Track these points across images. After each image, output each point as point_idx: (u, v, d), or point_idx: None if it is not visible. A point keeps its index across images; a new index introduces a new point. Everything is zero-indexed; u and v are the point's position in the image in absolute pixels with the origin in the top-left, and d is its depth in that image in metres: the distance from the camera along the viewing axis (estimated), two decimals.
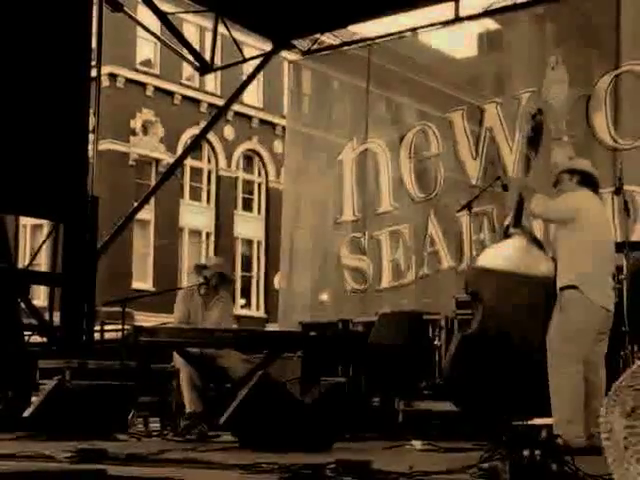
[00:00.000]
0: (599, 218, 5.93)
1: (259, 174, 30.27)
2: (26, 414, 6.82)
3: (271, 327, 22.12)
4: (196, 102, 27.48)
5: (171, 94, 27.12)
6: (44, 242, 10.06)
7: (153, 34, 13.34)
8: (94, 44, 9.85)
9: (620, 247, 7.19)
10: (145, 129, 26.65)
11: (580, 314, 5.46)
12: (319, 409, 5.87)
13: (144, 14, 13.81)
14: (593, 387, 5.43)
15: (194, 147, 19.25)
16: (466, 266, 9.10)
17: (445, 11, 11.00)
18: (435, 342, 8.29)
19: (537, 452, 3.08)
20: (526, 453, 3.08)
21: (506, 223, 6.89)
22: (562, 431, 4.84)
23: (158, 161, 26.69)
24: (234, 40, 11.71)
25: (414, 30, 11.44)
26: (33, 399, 7.32)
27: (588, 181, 5.95)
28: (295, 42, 12.27)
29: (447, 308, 8.71)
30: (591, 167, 6.12)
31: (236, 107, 24.24)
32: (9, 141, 8.37)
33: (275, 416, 5.49)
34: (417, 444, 5.92)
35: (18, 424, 6.92)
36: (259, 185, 30.21)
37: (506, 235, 6.75)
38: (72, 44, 9.05)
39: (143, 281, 26.04)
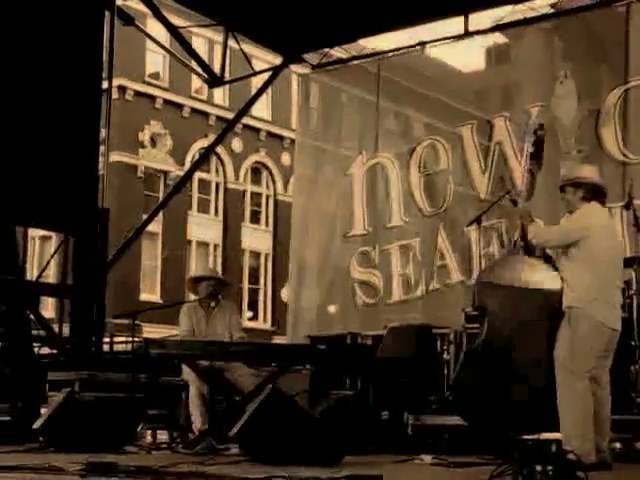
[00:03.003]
0: (604, 233, 5.60)
1: (267, 187, 30.31)
2: (35, 426, 6.82)
3: (279, 340, 22.13)
4: (205, 115, 27.55)
5: (180, 107, 27.20)
6: (54, 254, 10.09)
7: (163, 47, 13.37)
8: (105, 57, 9.87)
9: (630, 262, 7.19)
10: (154, 141, 26.73)
11: (586, 331, 5.39)
12: (328, 422, 5.87)
13: (153, 27, 13.87)
14: (599, 402, 5.41)
15: (203, 160, 19.26)
16: (474, 280, 9.07)
17: (454, 26, 11.01)
18: (444, 356, 8.27)
19: (549, 468, 3.07)
20: (538, 468, 3.06)
21: (514, 238, 6.87)
22: (573, 447, 4.83)
23: (166, 173, 26.77)
24: (244, 53, 11.71)
25: (423, 44, 11.41)
26: (42, 411, 7.32)
27: (594, 192, 5.61)
28: (304, 56, 12.29)
29: (456, 322, 8.70)
30: (596, 175, 5.75)
31: (244, 120, 24.25)
32: (19, 153, 8.41)
33: (284, 430, 5.48)
34: (427, 458, 5.90)
35: (27, 436, 6.93)
36: (267, 198, 30.25)
37: (514, 250, 6.73)
38: (84, 57, 9.10)
39: (151, 293, 26.06)
